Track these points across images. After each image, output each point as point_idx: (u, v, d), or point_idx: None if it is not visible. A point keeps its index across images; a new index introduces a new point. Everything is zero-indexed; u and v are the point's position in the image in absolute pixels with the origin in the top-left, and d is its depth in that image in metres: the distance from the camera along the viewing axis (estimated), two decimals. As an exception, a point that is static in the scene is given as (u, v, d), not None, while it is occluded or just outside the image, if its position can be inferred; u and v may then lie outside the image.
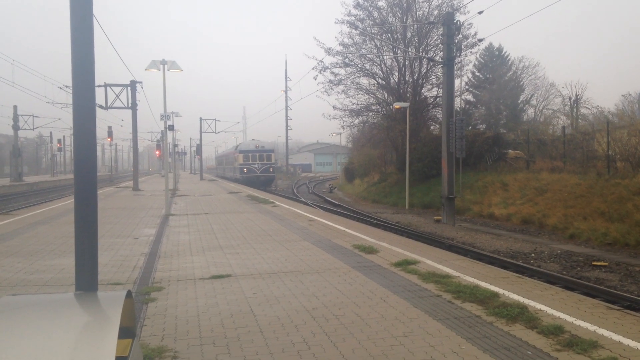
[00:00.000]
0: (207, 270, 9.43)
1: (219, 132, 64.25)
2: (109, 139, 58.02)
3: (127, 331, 3.16)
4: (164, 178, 23.35)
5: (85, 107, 4.73)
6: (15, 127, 54.25)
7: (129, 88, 35.43)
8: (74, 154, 4.85)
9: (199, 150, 68.30)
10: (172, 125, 28.16)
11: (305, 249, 11.50)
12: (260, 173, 49.61)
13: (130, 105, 35.60)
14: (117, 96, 35.09)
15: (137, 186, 38.03)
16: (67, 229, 15.07)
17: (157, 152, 57.10)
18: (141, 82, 36.27)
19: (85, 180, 4.72)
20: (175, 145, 49.20)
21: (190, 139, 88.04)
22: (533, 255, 14.93)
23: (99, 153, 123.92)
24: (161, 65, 20.13)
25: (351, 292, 7.72)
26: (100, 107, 34.79)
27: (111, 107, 35.36)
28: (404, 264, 9.49)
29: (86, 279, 4.61)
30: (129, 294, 3.21)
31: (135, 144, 39.20)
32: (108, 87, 34.89)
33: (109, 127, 54.88)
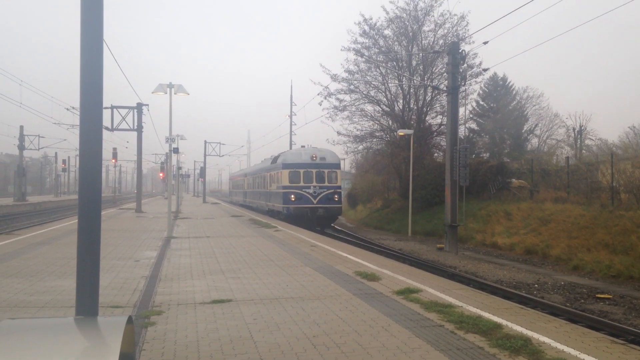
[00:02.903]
0: (208, 295, 9.37)
1: (223, 155, 64.64)
2: (113, 160, 58.21)
3: (126, 357, 3.12)
4: (167, 200, 23.37)
5: (92, 129, 4.76)
6: (21, 147, 54.56)
7: (135, 110, 35.69)
8: (79, 175, 4.87)
9: (202, 172, 68.44)
10: (177, 148, 28.33)
11: (307, 275, 11.42)
12: (319, 203, 28.62)
13: (136, 127, 35.81)
14: (123, 118, 35.35)
15: (140, 208, 38.01)
16: (69, 250, 15.03)
17: (161, 174, 57.13)
18: (147, 105, 36.57)
19: (90, 202, 4.72)
20: (179, 168, 49.28)
21: (194, 161, 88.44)
22: (536, 285, 14.80)
23: (103, 174, 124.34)
24: (168, 89, 20.29)
25: (352, 319, 7.65)
26: (107, 128, 35.04)
27: (117, 129, 35.60)
28: (406, 292, 9.41)
29: (87, 301, 4.59)
30: (129, 320, 3.18)
31: (139, 166, 39.33)
32: (114, 109, 35.18)
33: (114, 149, 55.13)
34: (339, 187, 29.80)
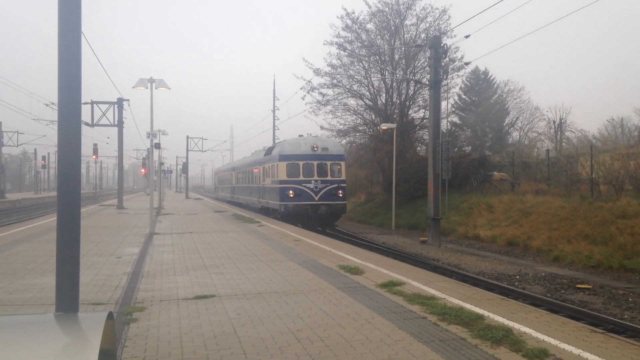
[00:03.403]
0: (191, 291, 9.32)
1: (205, 151, 64.29)
2: (94, 157, 57.65)
3: (107, 354, 3.09)
4: (148, 196, 23.20)
5: (71, 124, 4.70)
6: (-1, 144, 53.72)
7: (116, 106, 35.30)
8: (58, 171, 4.80)
9: (185, 168, 68.04)
10: (159, 144, 28.09)
11: (290, 269, 11.43)
12: (321, 199, 25.36)
13: (116, 123, 35.43)
14: (104, 114, 34.91)
15: (121, 204, 37.68)
16: (49, 247, 14.84)
17: (143, 170, 56.62)
18: (128, 100, 36.19)
19: (69, 198, 4.67)
20: (161, 164, 48.95)
21: (177, 157, 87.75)
22: (518, 277, 14.97)
23: (83, 170, 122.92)
24: (149, 84, 20.09)
25: (336, 313, 7.67)
26: (86, 124, 34.58)
27: (97, 125, 35.13)
28: (390, 285, 9.46)
29: (67, 299, 4.54)
30: (110, 316, 3.15)
31: (120, 162, 38.92)
32: (94, 105, 34.74)
33: (95, 145, 54.58)
34: (344, 182, 26.30)
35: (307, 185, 25.30)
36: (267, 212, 28.91)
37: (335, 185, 25.63)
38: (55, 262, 4.67)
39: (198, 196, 74.22)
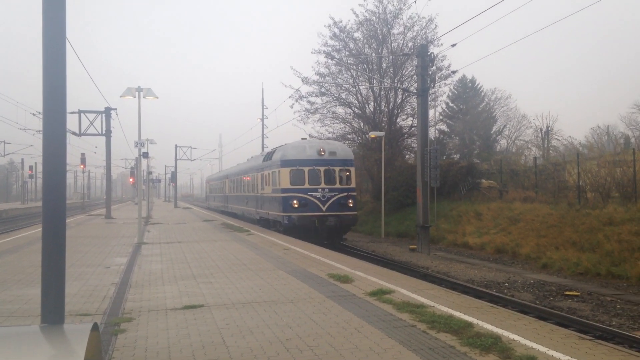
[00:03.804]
0: (179, 301, 9.25)
1: (194, 160, 64.13)
2: (81, 166, 57.18)
3: (92, 365, 3.06)
4: (137, 206, 23.06)
5: (56, 132, 4.66)
6: (-14, 153, 53.22)
7: (104, 115, 35.13)
8: (43, 180, 4.76)
9: (173, 177, 67.76)
10: (147, 153, 27.99)
11: (279, 278, 11.38)
12: (329, 210, 22.63)
13: (104, 132, 35.25)
14: (91, 123, 34.74)
15: (109, 214, 37.40)
16: (36, 258, 14.67)
17: (131, 180, 56.27)
18: (116, 109, 36.01)
19: (54, 208, 4.62)
20: (149, 173, 48.66)
21: (165, 166, 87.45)
22: (507, 284, 15.02)
23: (71, 180, 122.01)
24: (137, 93, 20.03)
25: (326, 322, 7.64)
26: (74, 133, 34.42)
27: (85, 134, 34.97)
28: (379, 294, 9.45)
29: (52, 310, 4.48)
30: (95, 327, 3.12)
31: (108, 171, 38.71)
32: (82, 114, 34.56)
33: (82, 154, 54.16)
34: (354, 190, 23.68)
35: (314, 194, 22.51)
36: (266, 224, 26.06)
37: (345, 194, 22.90)
38: (41, 273, 4.62)
39: (187, 205, 73.85)
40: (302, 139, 26.82)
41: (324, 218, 22.24)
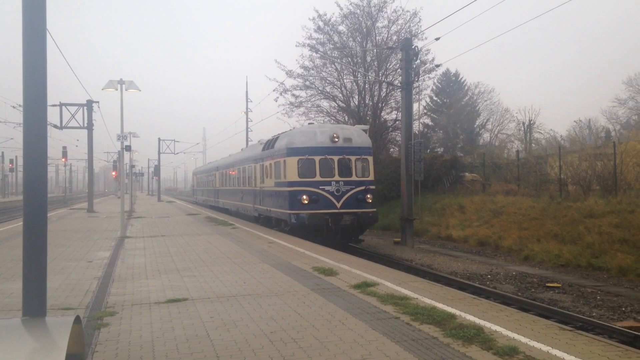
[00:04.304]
0: (163, 294, 9.21)
1: (177, 153, 63.73)
2: (63, 160, 56.47)
3: (75, 358, 3.04)
4: (120, 199, 22.88)
5: (36, 124, 4.60)
6: (-36, 146, 52.34)
7: (85, 108, 34.75)
8: (23, 174, 4.70)
9: (157, 170, 67.24)
10: (129, 146, 27.75)
11: (264, 272, 11.38)
12: (344, 207, 19.47)
13: (86, 125, 34.88)
14: (73, 116, 34.36)
15: (91, 208, 37.07)
16: (17, 252, 14.49)
17: (114, 173, 55.69)
18: (98, 102, 35.67)
19: (35, 201, 4.57)
20: (132, 166, 48.23)
21: (148, 159, 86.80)
22: (489, 276, 15.18)
23: (52, 174, 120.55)
24: (119, 85, 19.81)
25: (310, 315, 7.67)
26: (55, 126, 34.03)
27: (66, 127, 34.59)
28: (363, 286, 9.50)
29: (34, 304, 4.44)
30: (77, 320, 3.10)
31: (90, 165, 38.33)
32: (63, 107, 34.16)
33: (64, 147, 53.40)
34: (373, 183, 20.32)
35: (326, 188, 19.28)
36: (267, 222, 22.97)
37: (363, 187, 19.63)
38: (22, 266, 4.58)
39: (170, 199, 73.43)
40: (309, 123, 23.99)
41: (338, 216, 19.09)
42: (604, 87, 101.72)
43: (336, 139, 19.82)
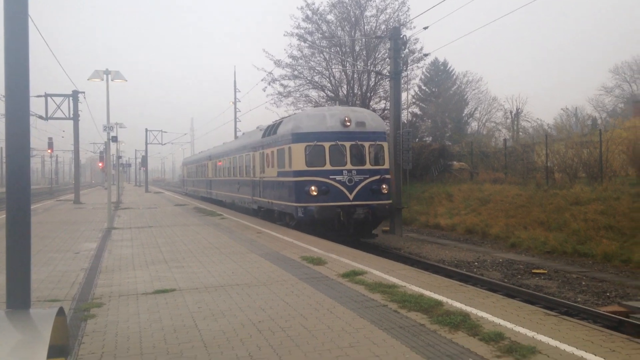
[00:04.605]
0: (151, 285, 9.19)
1: (165, 144, 63.42)
2: (49, 151, 55.96)
3: (58, 350, 3.03)
4: (106, 190, 22.73)
5: (19, 116, 4.55)
6: (-52, 138, 51.67)
7: (71, 98, 34.41)
8: (6, 164, 4.65)
9: (144, 161, 66.85)
10: (116, 137, 27.49)
11: (252, 262, 11.38)
12: (357, 199, 17.60)
13: (72, 116, 34.55)
14: (58, 106, 34.02)
15: (78, 199, 36.81)
16: (2, 244, 14.39)
17: (100, 164, 55.27)
18: (84, 92, 35.29)
19: (18, 192, 4.52)
20: (119, 157, 47.88)
21: (135, 150, 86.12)
22: (476, 263, 15.30)
23: (38, 165, 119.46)
24: (104, 75, 19.63)
25: (298, 304, 7.69)
26: (40, 117, 33.71)
27: (52, 118, 34.26)
28: (352, 275, 9.53)
29: (18, 296, 4.41)
30: (60, 312, 3.08)
31: (76, 156, 38.02)
32: (49, 97, 33.80)
33: (50, 138, 52.93)
34: (387, 172, 18.54)
35: (337, 177, 17.41)
36: (269, 216, 21.30)
37: (377, 177, 17.79)
38: (6, 258, 4.54)
39: (158, 190, 73.09)
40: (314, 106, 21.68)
41: (350, 209, 17.27)
42: (590, 75, 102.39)
43: (348, 123, 17.87)
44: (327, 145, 17.57)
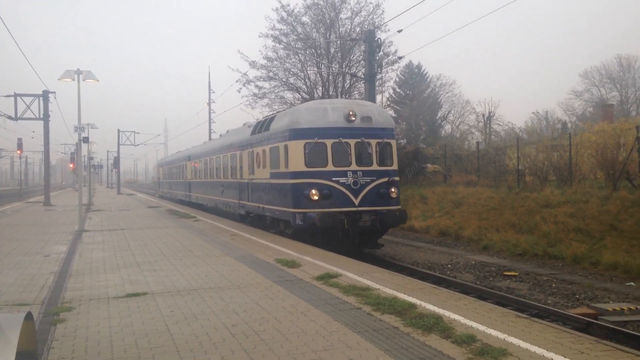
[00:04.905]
0: (122, 289, 9.05)
1: (138, 145, 62.61)
2: (18, 152, 54.82)
3: (27, 355, 2.96)
4: (77, 192, 22.34)
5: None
6: None
7: (41, 98, 33.76)
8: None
9: (116, 163, 65.91)
10: (87, 138, 27.07)
11: (227, 265, 11.31)
12: (363, 203, 15.38)
13: (42, 116, 33.92)
14: (28, 107, 33.37)
15: (48, 201, 36.12)
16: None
17: (71, 165, 54.26)
18: (54, 93, 34.70)
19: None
20: (90, 158, 47.10)
21: (108, 151, 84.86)
22: (449, 266, 15.46)
23: (7, 166, 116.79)
24: (76, 75, 19.30)
25: (272, 307, 7.66)
26: (9, 117, 33.03)
27: (21, 118, 33.62)
28: (326, 278, 9.54)
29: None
30: (28, 316, 3.01)
31: (47, 157, 37.31)
32: (18, 97, 33.13)
33: (19, 139, 51.88)
34: (396, 173, 16.59)
35: (341, 179, 15.37)
36: (259, 222, 19.28)
37: (386, 179, 15.83)
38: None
39: (131, 192, 72.13)
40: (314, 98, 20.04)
41: (356, 215, 15.27)
42: (561, 80, 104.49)
43: (353, 118, 15.83)
44: (329, 142, 15.51)
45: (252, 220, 19.96)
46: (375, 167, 15.82)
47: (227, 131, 26.67)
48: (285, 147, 16.04)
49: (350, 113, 15.85)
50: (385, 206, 15.61)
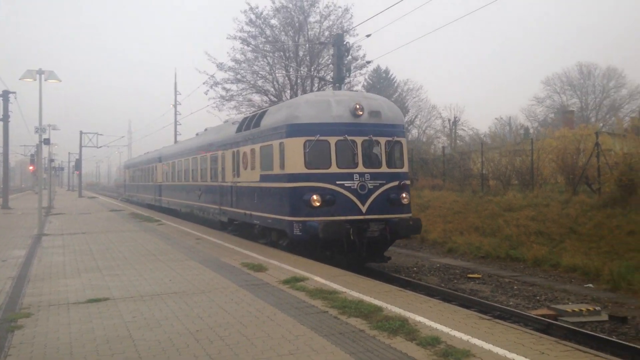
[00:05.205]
0: (83, 294, 8.84)
1: (101, 147, 61.32)
2: (-25, 153, 53.11)
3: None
4: (37, 195, 21.76)
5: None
6: None
7: (1, 98, 32.84)
8: None
9: (78, 165, 64.45)
10: (48, 139, 26.44)
11: (191, 269, 11.16)
12: (371, 212, 13.30)
13: (1, 117, 32.99)
14: (-14, 106, 32.38)
15: (6, 204, 35.11)
16: None
17: (31, 168, 52.75)
18: (15, 93, 33.77)
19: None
20: (51, 160, 45.97)
21: (69, 153, 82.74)
22: (415, 269, 15.61)
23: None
24: (37, 75, 18.83)
25: (238, 311, 7.59)
26: (-34, 117, 31.97)
27: (-21, 118, 32.55)
28: (293, 281, 9.50)
29: None
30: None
31: (6, 158, 36.35)
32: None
33: (-24, 140, 50.28)
34: (407, 176, 14.98)
35: (346, 183, 13.37)
36: (245, 231, 17.10)
37: (396, 183, 13.99)
38: None
39: (92, 194, 70.67)
40: (317, 88, 17.78)
41: (363, 225, 13.30)
42: (523, 86, 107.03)
43: (360, 112, 13.84)
44: (333, 140, 13.48)
45: (236, 229, 17.89)
46: (384, 169, 13.99)
47: (206, 129, 24.82)
48: (281, 145, 13.95)
49: (357, 107, 13.85)
50: (396, 214, 13.83)
